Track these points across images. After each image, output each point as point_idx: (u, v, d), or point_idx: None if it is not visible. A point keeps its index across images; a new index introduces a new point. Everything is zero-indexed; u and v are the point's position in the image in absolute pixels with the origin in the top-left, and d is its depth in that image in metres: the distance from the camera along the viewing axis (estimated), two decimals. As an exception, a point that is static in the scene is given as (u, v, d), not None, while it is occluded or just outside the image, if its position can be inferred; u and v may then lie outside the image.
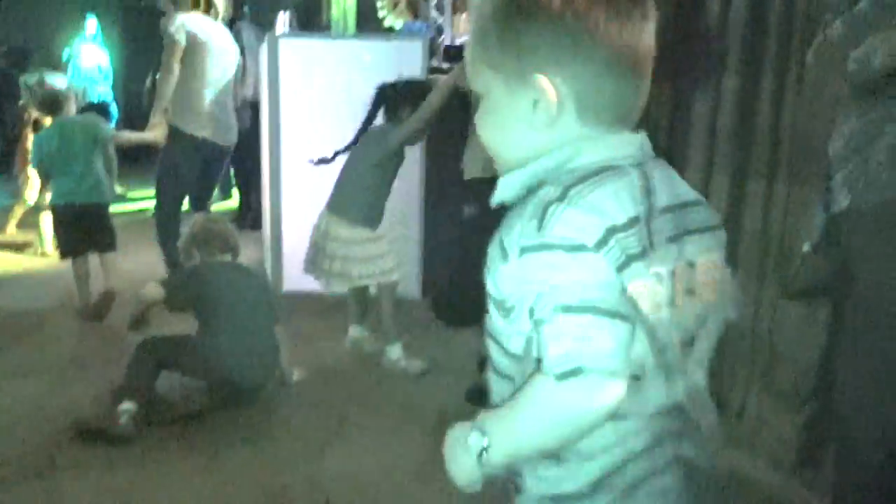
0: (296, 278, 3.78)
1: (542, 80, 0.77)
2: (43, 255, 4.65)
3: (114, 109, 6.63)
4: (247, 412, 2.56)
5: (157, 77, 3.61)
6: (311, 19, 8.73)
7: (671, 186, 0.82)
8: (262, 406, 2.63)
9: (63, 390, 2.71)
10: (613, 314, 0.72)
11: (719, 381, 2.59)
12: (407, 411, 2.60)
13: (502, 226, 0.82)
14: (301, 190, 3.76)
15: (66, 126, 3.50)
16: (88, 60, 6.55)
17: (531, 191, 0.79)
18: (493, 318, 0.84)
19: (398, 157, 2.89)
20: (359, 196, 2.84)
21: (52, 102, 3.52)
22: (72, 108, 3.58)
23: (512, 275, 0.77)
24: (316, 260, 2.90)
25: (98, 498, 2.05)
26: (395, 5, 4.55)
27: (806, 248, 1.83)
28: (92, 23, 6.69)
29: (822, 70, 1.67)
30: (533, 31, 0.76)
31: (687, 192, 0.84)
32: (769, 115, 2.32)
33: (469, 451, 0.77)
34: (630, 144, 0.81)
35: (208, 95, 3.59)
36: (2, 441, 2.34)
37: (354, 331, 3.11)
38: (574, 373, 0.71)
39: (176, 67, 3.47)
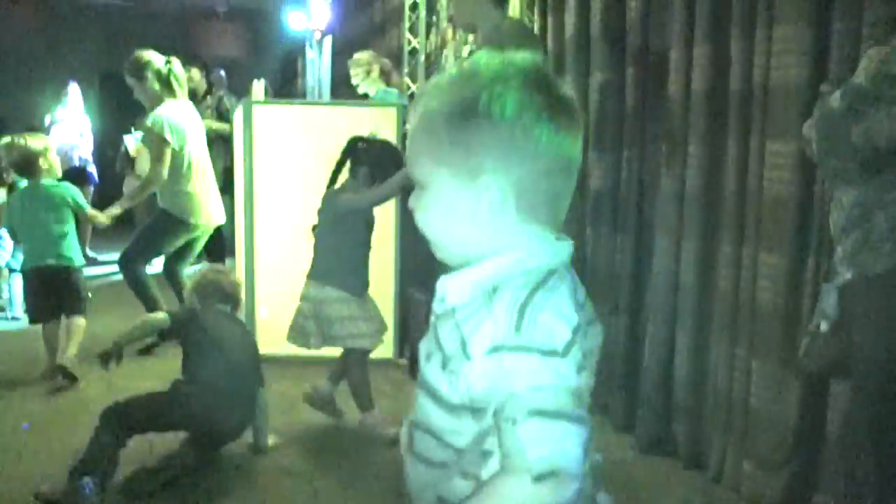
0: (270, 342, 3.75)
1: (489, 180, 0.84)
2: (13, 319, 4.56)
3: (93, 171, 6.67)
4: (220, 479, 2.49)
5: (148, 171, 3.78)
6: (287, 87, 8.92)
7: (580, 287, 0.91)
8: (235, 473, 2.55)
9: (25, 459, 2.62)
10: (580, 420, 0.80)
11: (696, 445, 2.59)
12: (382, 480, 2.54)
13: (456, 325, 0.86)
14: (275, 254, 3.75)
15: (36, 189, 3.50)
16: (70, 126, 6.62)
17: (487, 292, 0.84)
18: (433, 415, 0.89)
19: (363, 218, 2.86)
20: (325, 257, 2.84)
21: (25, 163, 3.49)
22: (53, 170, 3.57)
23: (483, 373, 0.82)
24: (295, 325, 2.88)
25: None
26: (368, 73, 4.65)
27: (824, 326, 1.80)
28: (74, 89, 6.77)
29: (824, 142, 1.69)
30: (483, 137, 0.83)
31: (582, 289, 0.92)
32: (734, 180, 2.38)
33: None
34: (566, 250, 0.90)
35: (193, 180, 3.78)
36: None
37: (324, 384, 3.01)
38: (552, 474, 0.78)
39: (166, 168, 3.66)
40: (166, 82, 3.75)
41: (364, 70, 4.62)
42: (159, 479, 2.39)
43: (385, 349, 3.52)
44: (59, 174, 3.65)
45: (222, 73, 6.32)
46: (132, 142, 4.22)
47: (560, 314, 0.82)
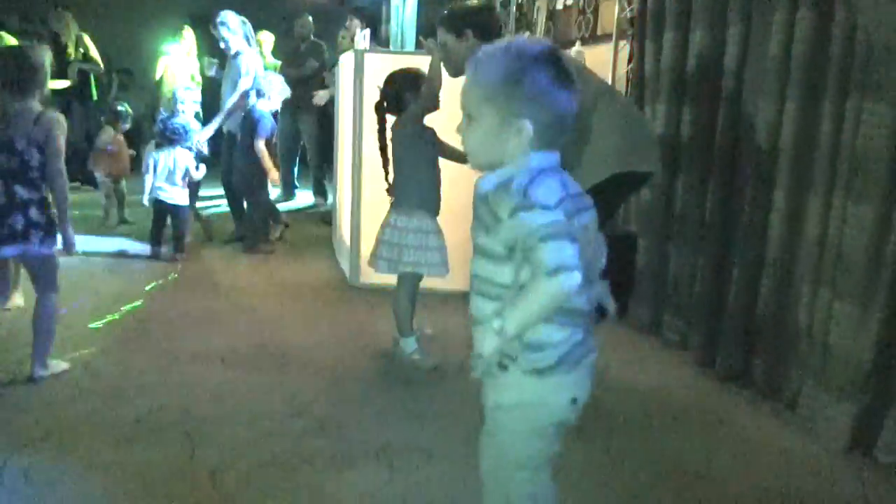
0: (373, 272, 4.10)
1: (524, 122, 1.32)
2: None
3: (200, 113, 7.12)
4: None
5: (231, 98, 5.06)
6: (372, 34, 9.11)
7: (571, 183, 1.39)
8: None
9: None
10: (572, 237, 1.27)
11: (773, 377, 2.85)
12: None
13: (488, 205, 1.35)
14: (378, 191, 4.05)
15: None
16: (183, 68, 6.97)
17: (505, 182, 1.33)
18: (483, 266, 1.39)
19: (425, 138, 3.05)
20: (408, 185, 3.06)
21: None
22: None
23: (508, 227, 1.30)
24: (375, 251, 3.14)
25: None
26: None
27: None
28: (189, 33, 7.06)
29: None
30: (524, 96, 1.32)
31: (576, 186, 1.40)
32: (829, 135, 2.58)
33: (493, 333, 1.31)
34: (555, 158, 1.38)
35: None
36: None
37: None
38: (559, 269, 1.25)
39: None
40: (246, 37, 5.11)
41: None
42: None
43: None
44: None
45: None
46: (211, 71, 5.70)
47: (549, 189, 1.30)
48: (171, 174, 4.70)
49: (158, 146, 4.81)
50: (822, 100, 2.62)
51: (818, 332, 2.63)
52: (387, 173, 3.18)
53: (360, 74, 4.00)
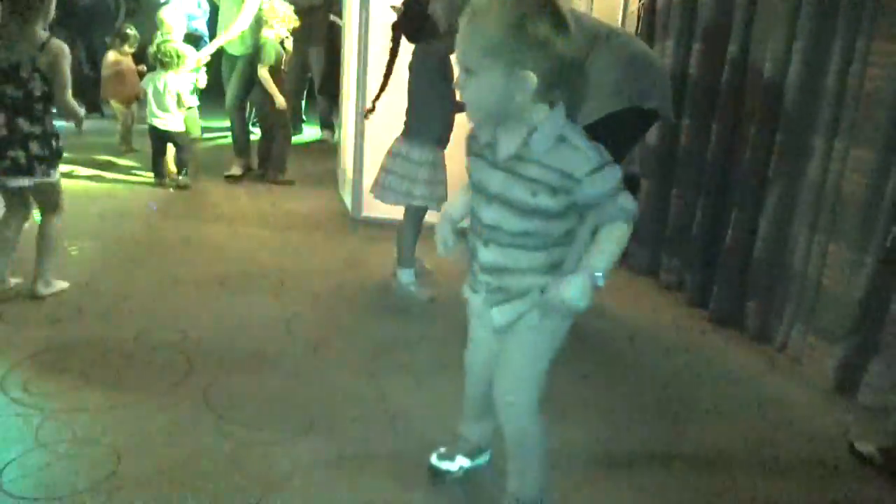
0: (374, 206, 4.12)
1: (529, 74, 1.30)
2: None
3: (206, 41, 6.97)
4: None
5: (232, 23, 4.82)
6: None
7: None
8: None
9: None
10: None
11: (765, 320, 2.87)
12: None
13: (546, 166, 1.37)
14: (382, 124, 4.02)
15: None
16: None
17: (558, 142, 1.36)
18: (533, 223, 1.41)
19: (448, 74, 2.96)
20: (427, 117, 3.02)
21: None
22: None
23: (591, 185, 1.36)
24: (380, 180, 3.13)
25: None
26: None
27: None
28: None
29: None
30: (526, 45, 1.29)
31: None
32: (836, 75, 2.53)
33: (595, 282, 1.37)
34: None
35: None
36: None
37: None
38: (635, 214, 1.40)
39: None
40: None
41: None
42: None
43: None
44: None
45: None
46: None
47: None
48: (160, 98, 4.66)
49: (151, 69, 4.80)
50: (833, 39, 2.56)
51: (812, 275, 2.63)
52: (378, 97, 3.19)
53: (366, 4, 3.92)
